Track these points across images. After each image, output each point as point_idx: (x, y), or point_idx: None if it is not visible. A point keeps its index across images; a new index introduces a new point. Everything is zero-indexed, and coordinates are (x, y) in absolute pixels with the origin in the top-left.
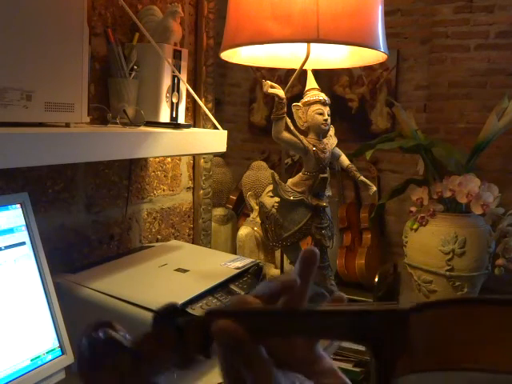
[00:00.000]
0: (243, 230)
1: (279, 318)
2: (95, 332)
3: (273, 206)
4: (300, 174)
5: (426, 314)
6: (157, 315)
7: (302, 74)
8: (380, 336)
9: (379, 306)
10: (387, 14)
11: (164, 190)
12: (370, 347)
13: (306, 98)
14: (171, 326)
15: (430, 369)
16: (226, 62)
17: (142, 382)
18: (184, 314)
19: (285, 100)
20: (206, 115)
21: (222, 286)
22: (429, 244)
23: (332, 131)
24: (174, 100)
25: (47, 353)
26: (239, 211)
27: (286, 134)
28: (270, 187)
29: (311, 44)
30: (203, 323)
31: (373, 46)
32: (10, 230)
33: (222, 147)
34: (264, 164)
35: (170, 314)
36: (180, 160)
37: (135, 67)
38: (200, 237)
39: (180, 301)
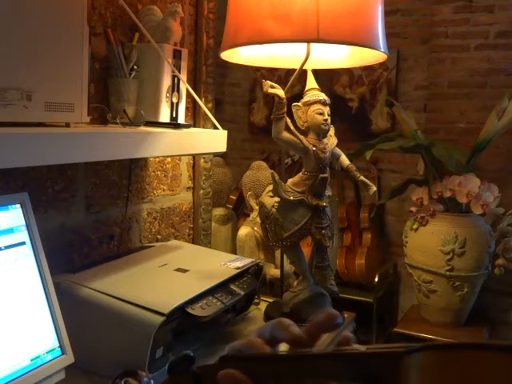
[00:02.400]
0: (243, 230)
1: (285, 363)
2: (119, 380)
3: (273, 206)
4: (300, 173)
5: (415, 357)
6: (173, 363)
7: (302, 74)
8: (378, 378)
9: (376, 349)
10: (387, 14)
11: (164, 190)
12: None
13: (306, 98)
14: (188, 373)
15: None
16: (226, 62)
17: None
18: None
19: (285, 100)
20: (206, 115)
21: (222, 286)
22: (429, 244)
23: (332, 131)
24: (174, 100)
25: (47, 353)
26: (239, 211)
27: (285, 134)
28: (270, 187)
29: (311, 44)
30: (217, 369)
31: (373, 46)
32: (10, 230)
33: (222, 147)
34: (264, 164)
35: (186, 363)
36: (180, 160)
37: (135, 67)
38: (200, 237)
39: (180, 301)
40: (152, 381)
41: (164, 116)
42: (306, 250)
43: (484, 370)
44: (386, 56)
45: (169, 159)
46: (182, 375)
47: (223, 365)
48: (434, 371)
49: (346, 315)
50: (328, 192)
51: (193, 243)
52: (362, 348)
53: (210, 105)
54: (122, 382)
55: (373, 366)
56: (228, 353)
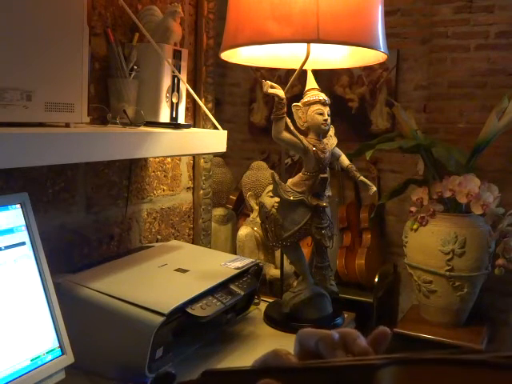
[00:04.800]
0: (243, 230)
1: (264, 375)
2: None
3: (273, 206)
4: (300, 173)
5: (388, 371)
6: (156, 380)
7: (302, 74)
8: None
9: (354, 362)
10: (387, 14)
11: (164, 190)
12: None
13: (305, 98)
14: None
15: None
16: (226, 62)
17: None
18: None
19: (285, 100)
20: (206, 115)
21: (222, 286)
22: (429, 244)
23: (332, 131)
24: (174, 100)
25: (47, 353)
26: (239, 211)
27: (285, 134)
28: (270, 187)
29: (311, 44)
30: None
31: (373, 46)
32: (10, 230)
33: (222, 147)
34: (264, 164)
35: (168, 380)
36: (180, 160)
37: (135, 67)
38: (200, 237)
39: (180, 301)
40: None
41: (164, 116)
42: (306, 250)
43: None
44: (385, 56)
45: (169, 159)
46: None
47: (205, 379)
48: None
49: (345, 315)
50: (328, 192)
51: (193, 243)
52: (338, 360)
53: (209, 105)
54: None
55: (348, 377)
56: (254, 365)
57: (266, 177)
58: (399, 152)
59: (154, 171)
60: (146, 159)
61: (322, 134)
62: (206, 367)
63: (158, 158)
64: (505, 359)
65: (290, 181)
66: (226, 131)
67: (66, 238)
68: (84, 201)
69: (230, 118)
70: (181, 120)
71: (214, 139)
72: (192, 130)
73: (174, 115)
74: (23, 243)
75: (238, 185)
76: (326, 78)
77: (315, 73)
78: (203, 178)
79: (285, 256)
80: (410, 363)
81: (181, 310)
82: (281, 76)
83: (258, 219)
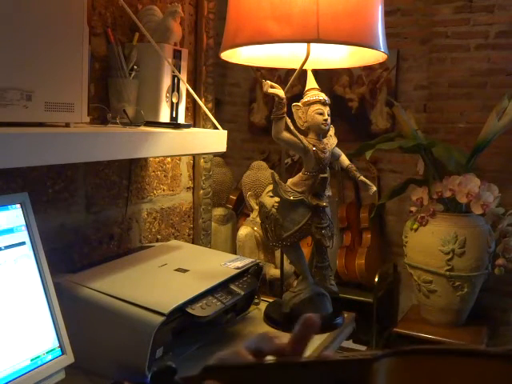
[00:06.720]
0: (243, 230)
1: (264, 371)
2: None
3: (273, 206)
4: (300, 173)
5: (382, 363)
6: (155, 375)
7: (302, 74)
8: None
9: (350, 357)
10: (387, 14)
11: (164, 190)
12: None
13: (305, 98)
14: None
15: None
16: (226, 62)
17: None
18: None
19: (285, 100)
20: (206, 115)
21: (222, 286)
22: (429, 244)
23: (332, 131)
24: (174, 100)
25: (47, 353)
26: (239, 211)
27: (285, 134)
28: (270, 187)
29: (311, 44)
30: (200, 379)
31: (373, 46)
32: (10, 230)
33: (222, 147)
34: (264, 164)
35: (168, 374)
36: (180, 160)
37: (135, 67)
38: (200, 237)
39: (180, 301)
40: None
41: (164, 116)
42: (306, 250)
43: (448, 374)
44: (385, 56)
45: (169, 159)
46: None
47: (206, 374)
48: (399, 376)
49: (345, 315)
50: (328, 192)
51: (193, 243)
52: (336, 355)
53: (209, 105)
54: None
55: (345, 372)
56: (213, 362)
57: (266, 177)
58: (399, 152)
59: (154, 171)
60: (145, 159)
61: (322, 133)
62: None
63: (157, 157)
64: (497, 350)
65: (289, 181)
66: (225, 131)
67: (66, 237)
68: (84, 201)
69: (230, 118)
70: (181, 120)
71: (213, 139)
72: (192, 129)
73: (173, 115)
74: (23, 243)
75: (238, 185)
76: (325, 78)
77: (315, 73)
78: (203, 177)
79: (285, 256)
80: (403, 354)
81: (181, 310)
82: (281, 76)
83: (257, 219)
